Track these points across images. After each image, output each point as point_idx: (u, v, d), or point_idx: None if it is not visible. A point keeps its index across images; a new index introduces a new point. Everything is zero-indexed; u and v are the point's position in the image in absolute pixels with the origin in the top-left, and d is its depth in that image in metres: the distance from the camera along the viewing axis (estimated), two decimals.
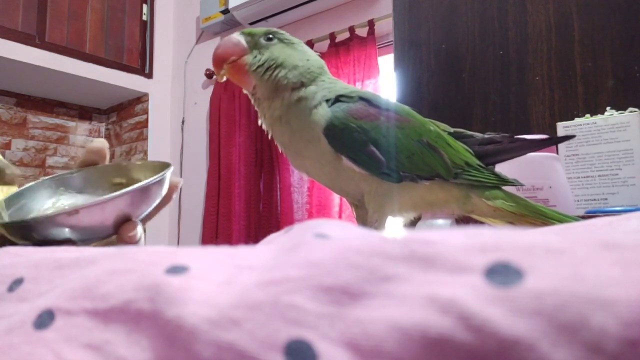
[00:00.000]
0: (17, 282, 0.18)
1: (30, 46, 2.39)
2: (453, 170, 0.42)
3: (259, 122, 0.45)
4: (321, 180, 0.44)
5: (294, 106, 0.41)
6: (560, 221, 0.43)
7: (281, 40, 0.44)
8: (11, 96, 2.72)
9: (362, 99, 0.41)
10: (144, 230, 0.36)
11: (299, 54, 0.43)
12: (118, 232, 0.33)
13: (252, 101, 0.45)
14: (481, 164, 0.44)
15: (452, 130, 0.46)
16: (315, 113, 0.41)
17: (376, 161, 0.40)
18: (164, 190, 0.36)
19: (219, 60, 0.43)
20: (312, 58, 0.44)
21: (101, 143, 0.39)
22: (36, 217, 0.30)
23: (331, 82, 0.44)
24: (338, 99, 0.41)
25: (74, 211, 0.30)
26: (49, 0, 2.49)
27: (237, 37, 0.43)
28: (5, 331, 0.15)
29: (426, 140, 0.42)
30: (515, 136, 0.44)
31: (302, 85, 0.42)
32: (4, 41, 2.29)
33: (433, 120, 0.45)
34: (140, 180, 0.35)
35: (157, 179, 0.34)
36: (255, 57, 0.42)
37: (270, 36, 0.43)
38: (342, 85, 0.44)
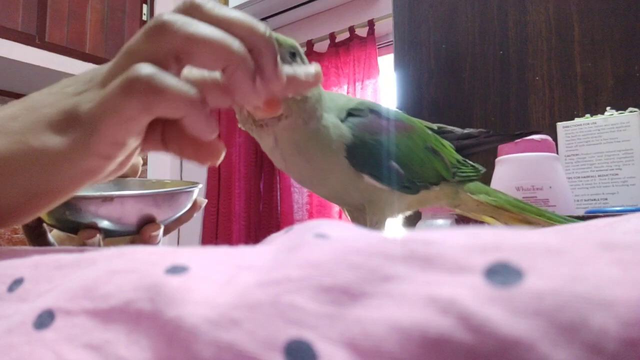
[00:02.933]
0: (17, 282, 0.18)
1: (30, 46, 2.39)
2: (451, 170, 0.43)
3: (263, 148, 0.39)
4: (319, 192, 0.42)
5: (315, 134, 0.37)
6: (541, 216, 0.44)
7: (303, 62, 0.37)
8: (11, 96, 2.72)
9: (371, 111, 0.40)
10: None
11: None
12: (141, 231, 0.34)
13: (254, 129, 0.37)
14: (461, 158, 0.45)
15: (436, 127, 0.46)
16: (331, 134, 0.38)
17: (397, 175, 0.39)
18: (189, 203, 0.37)
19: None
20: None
21: (136, 159, 0.39)
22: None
23: (331, 99, 0.40)
24: (350, 113, 0.39)
25: (109, 197, 0.31)
26: (49, 0, 2.49)
27: None
28: (5, 331, 0.15)
29: (430, 146, 0.42)
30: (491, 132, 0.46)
31: (321, 115, 0.38)
32: (4, 41, 2.29)
33: (417, 119, 0.45)
34: None
35: (187, 189, 0.35)
36: None
37: (293, 53, 0.36)
38: (344, 98, 0.41)
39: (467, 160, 0.45)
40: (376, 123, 0.39)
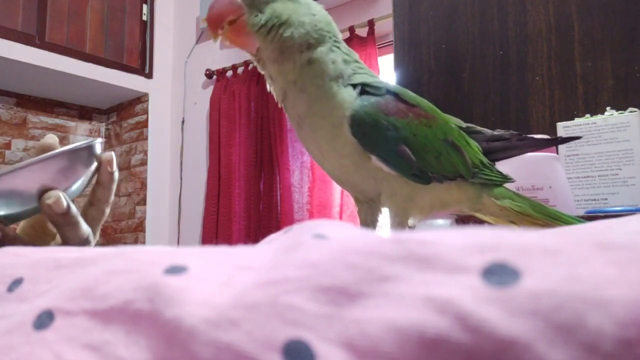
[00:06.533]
0: (17, 282, 0.18)
1: (30, 46, 2.39)
2: (472, 170, 0.41)
3: (268, 87, 0.42)
4: (332, 172, 0.42)
5: (307, 69, 0.39)
6: (564, 222, 0.42)
7: None
8: (11, 96, 2.72)
9: (389, 92, 0.39)
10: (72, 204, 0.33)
11: (304, 8, 0.40)
12: (39, 202, 0.32)
13: (256, 63, 0.42)
14: (489, 161, 0.43)
15: (464, 125, 0.45)
16: (338, 92, 0.39)
17: (407, 161, 0.38)
18: (87, 162, 0.34)
19: (215, 21, 0.39)
20: (319, 13, 0.41)
21: (52, 139, 0.38)
22: None
23: (347, 52, 0.41)
24: (364, 88, 0.39)
25: None
26: (49, 0, 2.49)
27: None
28: (5, 331, 0.15)
29: (451, 140, 0.41)
30: (523, 134, 0.44)
31: (310, 46, 0.39)
32: (4, 41, 2.29)
33: (447, 115, 0.44)
34: None
35: (72, 148, 0.33)
36: (256, 15, 0.39)
37: None
38: (364, 69, 0.41)
39: (492, 164, 0.44)
40: (392, 104, 0.39)
